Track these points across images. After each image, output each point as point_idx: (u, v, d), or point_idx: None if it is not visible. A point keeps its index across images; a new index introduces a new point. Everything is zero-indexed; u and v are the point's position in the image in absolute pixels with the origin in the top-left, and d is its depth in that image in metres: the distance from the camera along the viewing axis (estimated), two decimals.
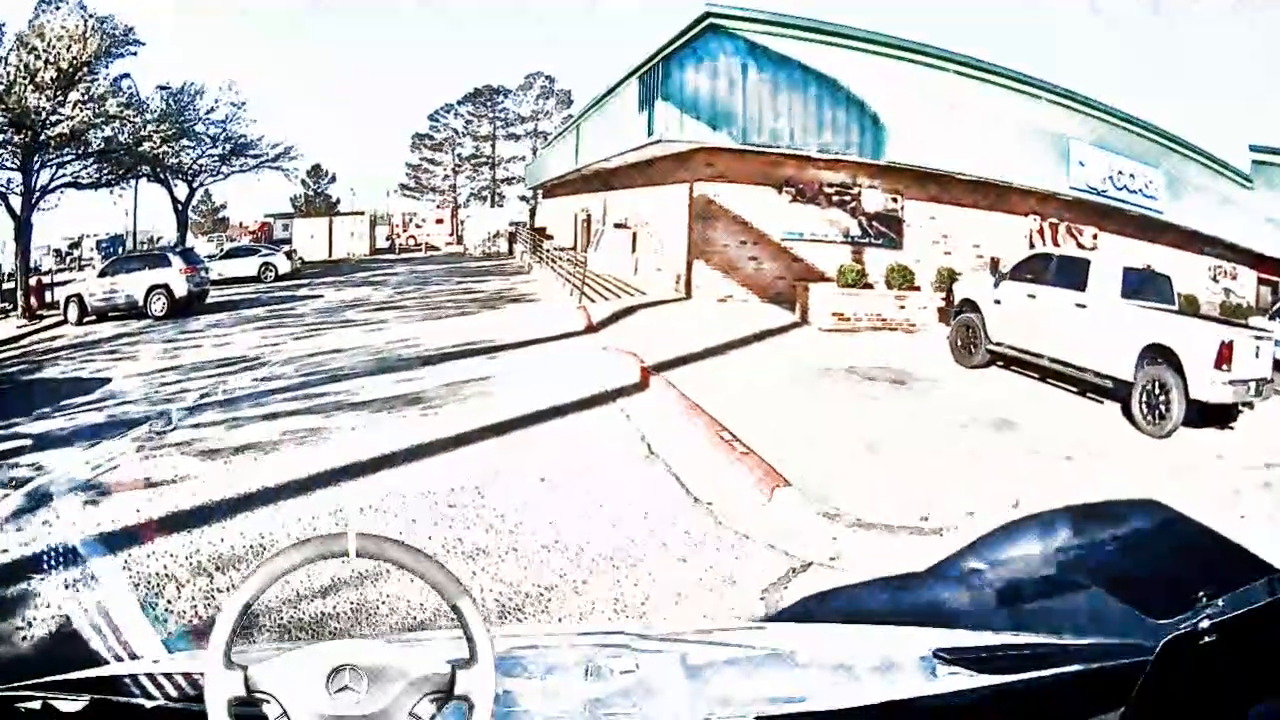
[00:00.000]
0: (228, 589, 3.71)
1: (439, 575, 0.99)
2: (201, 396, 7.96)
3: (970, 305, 8.80)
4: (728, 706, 1.22)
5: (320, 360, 9.58)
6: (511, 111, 50.92)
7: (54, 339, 14.01)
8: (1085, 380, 7.38)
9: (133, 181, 24.44)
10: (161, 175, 26.59)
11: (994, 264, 9.30)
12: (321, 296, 17.71)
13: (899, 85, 12.14)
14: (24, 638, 3.40)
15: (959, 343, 8.85)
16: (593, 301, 13.00)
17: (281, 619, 3.43)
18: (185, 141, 27.13)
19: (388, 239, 39.89)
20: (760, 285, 12.82)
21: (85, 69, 18.05)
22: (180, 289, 15.59)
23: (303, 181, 51.39)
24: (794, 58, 11.99)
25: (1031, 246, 13.31)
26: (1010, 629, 1.98)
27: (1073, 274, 7.72)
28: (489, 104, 51.04)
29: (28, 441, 6.47)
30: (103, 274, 16.26)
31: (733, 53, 11.93)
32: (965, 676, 1.25)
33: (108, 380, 9.12)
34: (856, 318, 10.56)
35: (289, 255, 24.67)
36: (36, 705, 1.09)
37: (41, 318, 16.62)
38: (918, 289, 10.81)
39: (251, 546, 4.14)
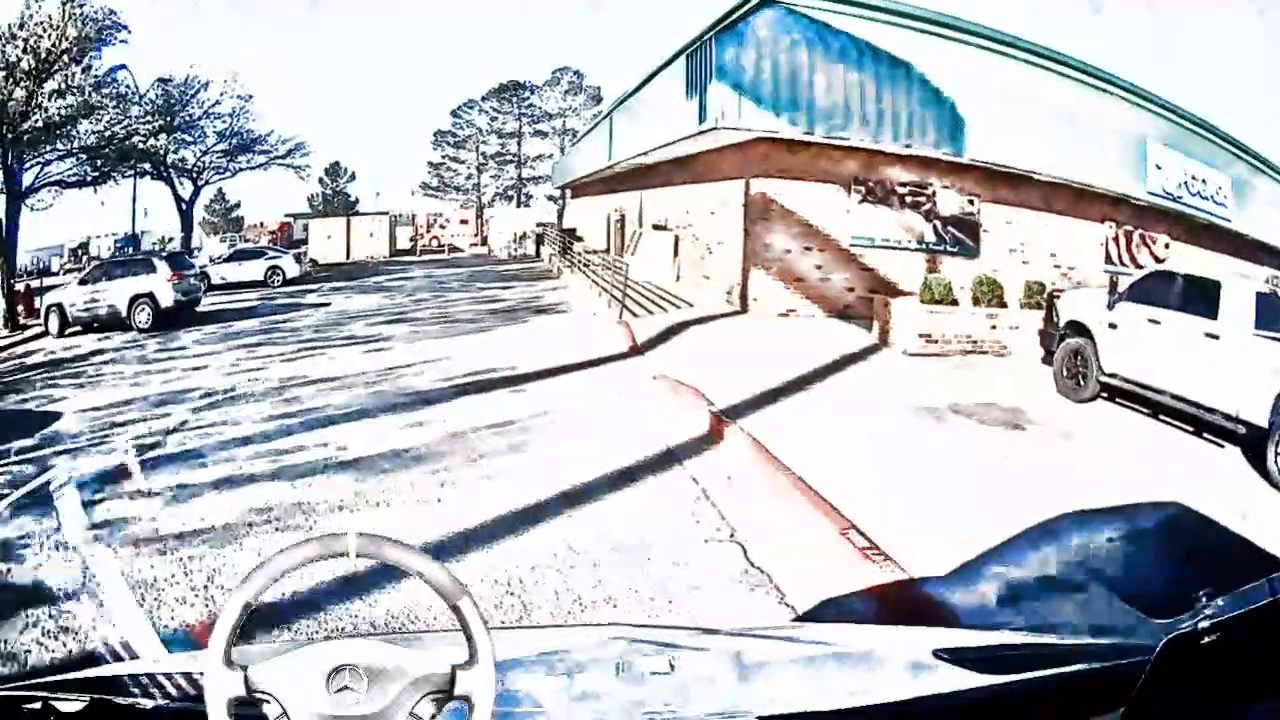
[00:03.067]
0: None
1: (439, 575, 1.10)
2: (140, 450, 6.96)
3: (1079, 329, 8.51)
4: (728, 707, 1.35)
5: (306, 396, 8.88)
6: (538, 108, 53.39)
7: (29, 354, 14.29)
8: (1210, 422, 7.10)
9: (129, 179, 25.94)
10: (163, 172, 27.97)
11: (1113, 283, 9.00)
12: (328, 305, 18.17)
13: (973, 75, 12.14)
14: (24, 638, 3.80)
15: (1066, 372, 8.57)
16: (634, 315, 12.97)
17: (281, 619, 3.73)
18: (182, 136, 28.58)
19: (411, 240, 41.64)
20: (826, 298, 12.73)
21: (65, 57, 18.82)
22: (166, 298, 15.75)
23: (320, 180, 54.36)
24: (860, 37, 11.98)
25: (1108, 256, 13.57)
26: (1010, 629, 2.05)
27: (1201, 298, 7.35)
28: (514, 100, 53.42)
29: None
30: (83, 281, 16.45)
31: (793, 29, 11.90)
32: (965, 676, 1.38)
33: (55, 417, 8.60)
34: (945, 339, 10.22)
35: (298, 259, 25.52)
36: (36, 705, 1.22)
37: (25, 327, 17.09)
38: (1005, 305, 10.59)
39: None
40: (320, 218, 44.38)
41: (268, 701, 1.04)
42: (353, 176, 55.82)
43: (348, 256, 36.61)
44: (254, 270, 24.21)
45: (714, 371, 8.57)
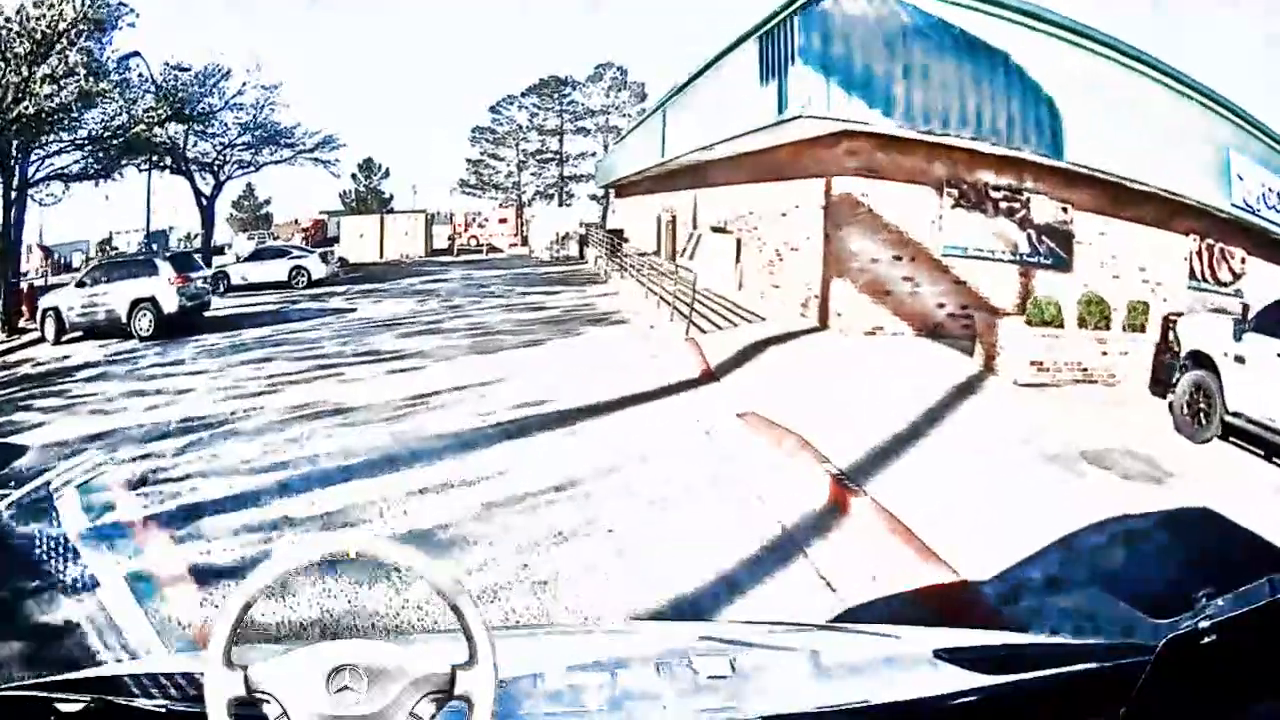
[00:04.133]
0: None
1: (439, 575, 1.21)
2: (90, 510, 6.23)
3: (1201, 360, 8.23)
4: (728, 707, 1.49)
5: (308, 438, 8.01)
6: (580, 104, 56.12)
7: (20, 363, 14.51)
8: None
9: (144, 172, 26.82)
10: (182, 166, 29.17)
11: (1244, 310, 8.70)
12: (354, 311, 18.56)
13: (1069, 73, 11.89)
14: (24, 638, 4.20)
15: (1186, 409, 8.25)
16: (700, 330, 12.75)
17: (281, 619, 4.05)
18: (201, 128, 29.65)
19: (449, 239, 43.48)
20: (915, 314, 12.47)
21: (63, 40, 19.40)
22: (169, 303, 15.86)
23: (352, 176, 57.57)
24: (953, 23, 11.75)
25: (1191, 272, 13.62)
26: (1010, 629, 2.11)
27: None
28: (555, 96, 56.27)
29: None
30: (80, 283, 16.70)
31: (885, 8, 11.64)
32: (965, 676, 1.51)
33: (21, 452, 8.07)
34: (1055, 366, 9.88)
35: (324, 258, 26.39)
36: (36, 705, 1.35)
37: (24, 331, 17.62)
38: (1110, 326, 10.29)
39: None
40: (351, 215, 46.43)
41: (268, 701, 1.15)
42: (386, 173, 58.89)
43: (381, 256, 38.37)
44: (277, 271, 25.04)
45: (808, 407, 8.00)
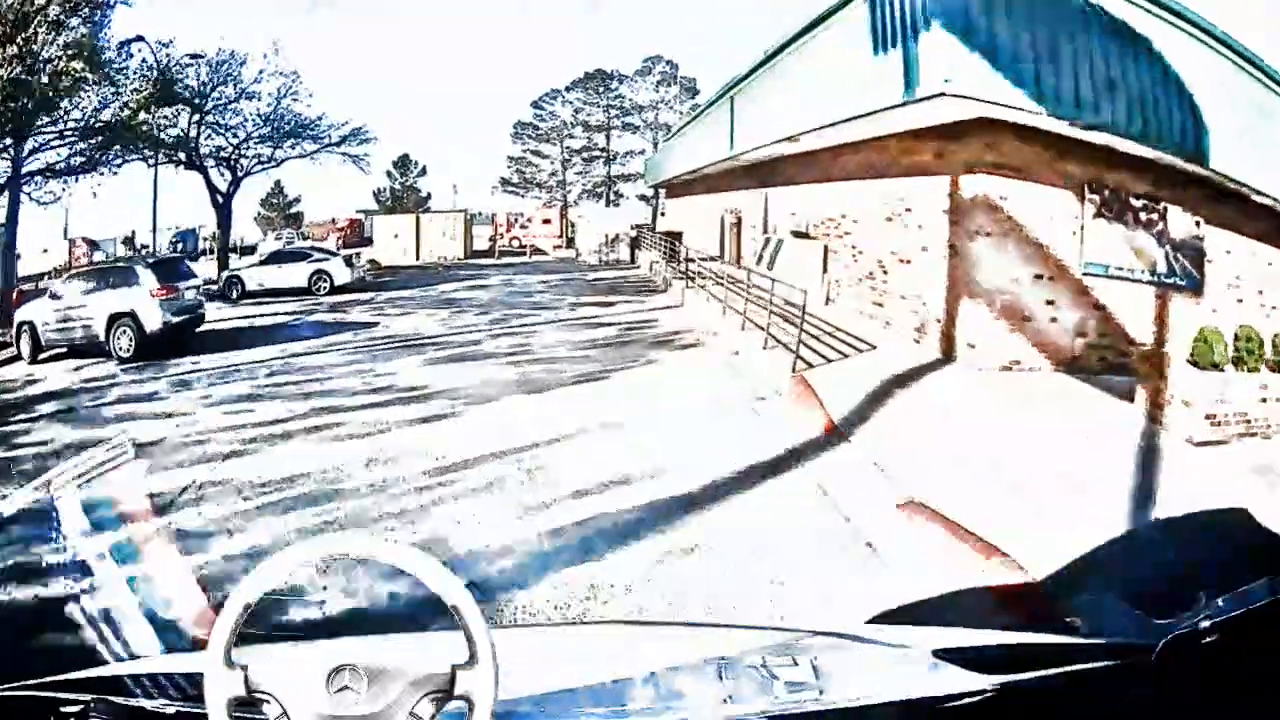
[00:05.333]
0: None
1: (439, 575, 1.36)
2: None
3: None
4: (728, 707, 1.68)
5: (278, 534, 6.57)
6: (628, 99, 58.07)
7: None
8: None
9: (151, 167, 28.03)
10: (195, 160, 30.24)
11: None
12: (376, 325, 18.23)
13: (1210, 76, 11.52)
14: (24, 638, 4.69)
15: None
16: (802, 360, 11.72)
17: (281, 619, 4.40)
18: (212, 116, 30.66)
19: (490, 240, 45.24)
20: (1052, 345, 11.52)
21: (39, 17, 20.08)
22: (152, 319, 15.32)
23: (387, 173, 60.05)
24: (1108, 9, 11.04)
25: None
26: (1010, 629, 2.36)
27: None
28: (602, 90, 58.41)
29: None
30: (55, 295, 16.28)
31: None
32: (965, 676, 1.69)
33: None
34: (1225, 419, 9.19)
35: (349, 262, 26.74)
36: (37, 705, 1.54)
37: (6, 345, 17.00)
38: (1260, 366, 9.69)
39: None
40: (394, 214, 48.28)
41: (268, 701, 1.31)
42: (424, 170, 61.34)
43: (417, 258, 39.64)
44: (296, 276, 25.38)
45: (978, 488, 6.83)
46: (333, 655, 1.32)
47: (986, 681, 1.61)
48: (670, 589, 5.57)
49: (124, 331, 15.22)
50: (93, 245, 47.27)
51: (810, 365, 11.59)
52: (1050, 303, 11.52)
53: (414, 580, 1.34)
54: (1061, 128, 10.76)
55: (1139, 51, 11.01)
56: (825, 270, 16.33)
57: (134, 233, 46.64)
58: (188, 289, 16.63)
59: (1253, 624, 1.27)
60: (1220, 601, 1.32)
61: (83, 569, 5.44)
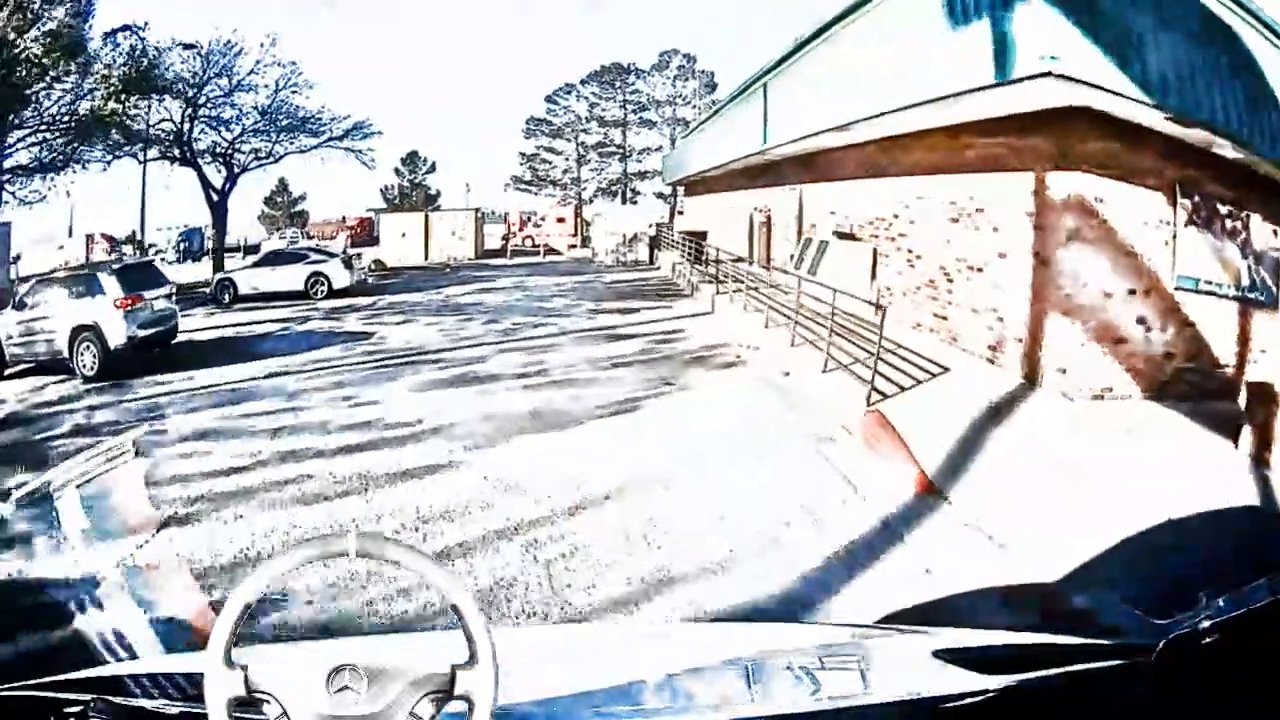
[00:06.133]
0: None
1: (439, 575, 1.48)
2: None
3: None
4: (728, 706, 1.78)
5: None
6: (644, 94, 59.54)
7: None
8: None
9: (141, 164, 28.81)
10: (187, 155, 30.67)
11: None
12: (370, 336, 17.89)
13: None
14: (24, 638, 4.96)
15: None
16: (881, 395, 10.72)
17: (281, 619, 4.71)
18: (209, 113, 31.26)
19: (503, 239, 47.06)
20: (1142, 370, 10.80)
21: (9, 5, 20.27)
22: (115, 333, 14.84)
23: (395, 170, 61.51)
24: None
25: None
26: (1010, 629, 2.46)
27: None
28: (617, 84, 59.94)
29: None
30: (20, 305, 15.86)
31: None
32: (965, 676, 1.82)
33: None
34: None
35: (348, 264, 26.84)
36: (37, 705, 1.67)
37: None
38: None
39: None
40: (393, 212, 49.87)
41: (268, 701, 1.43)
42: (433, 167, 63.17)
43: (426, 258, 40.45)
44: (291, 278, 25.53)
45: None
46: (333, 655, 1.43)
47: (987, 682, 1.74)
48: None
49: (87, 347, 14.74)
50: (113, 241, 48.50)
51: (884, 395, 10.50)
52: (1142, 321, 10.84)
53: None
54: (1156, 120, 10.17)
55: (1235, 42, 10.49)
56: (874, 276, 15.73)
57: (134, 231, 47.51)
58: (157, 298, 16.06)
59: (1253, 624, 1.37)
60: (1220, 601, 1.43)
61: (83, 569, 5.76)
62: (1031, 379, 10.93)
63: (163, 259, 35.21)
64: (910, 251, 14.58)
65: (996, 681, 1.73)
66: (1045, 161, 10.92)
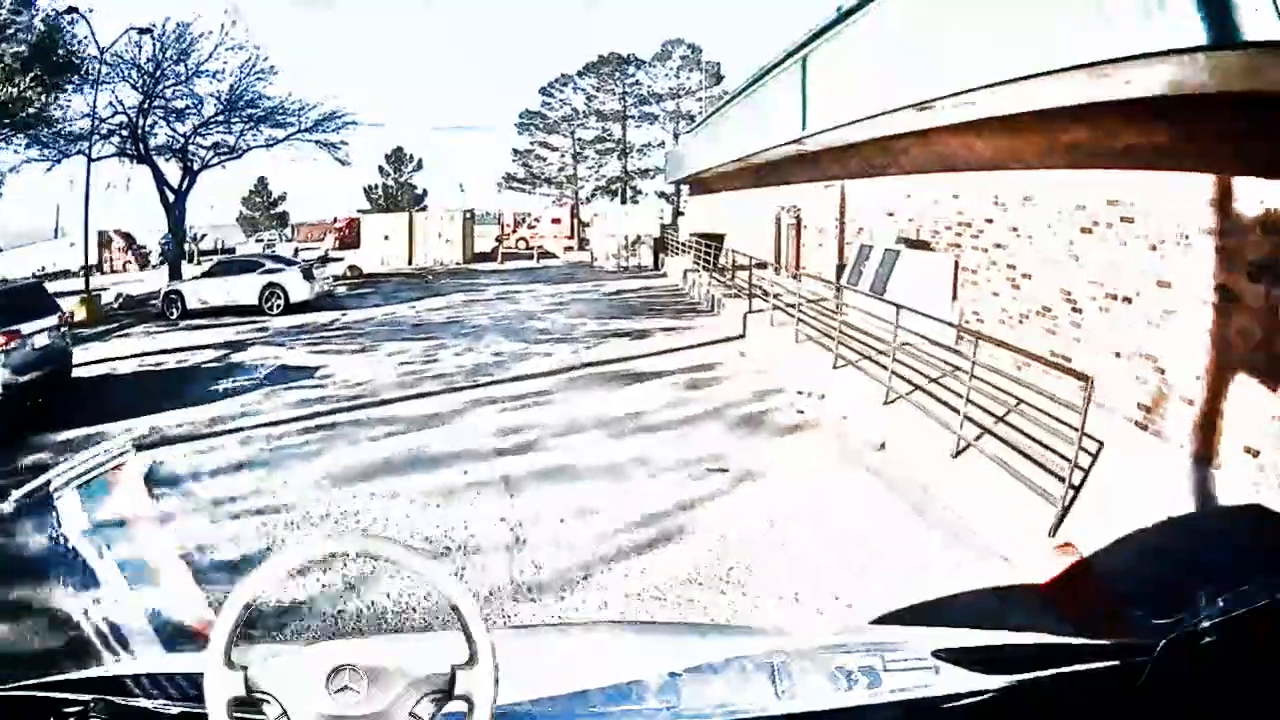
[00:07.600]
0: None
1: (439, 575, 1.71)
2: None
3: None
4: (729, 707, 2.05)
5: None
6: (645, 86, 61.82)
7: None
8: None
9: (96, 161, 28.88)
10: (139, 150, 30.98)
11: None
12: (311, 374, 15.92)
13: None
14: (24, 638, 5.50)
15: None
16: (1062, 509, 7.55)
17: (281, 619, 5.27)
18: (167, 103, 31.48)
19: (497, 240, 48.27)
20: None
21: None
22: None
23: (379, 169, 62.68)
24: None
25: None
26: (1010, 629, 2.69)
27: None
28: (617, 76, 61.98)
29: None
30: None
31: None
32: (965, 676, 2.05)
33: None
34: None
35: (308, 274, 26.57)
36: (37, 705, 1.91)
37: None
38: None
39: None
40: (378, 212, 52.11)
41: (268, 701, 1.65)
42: (419, 165, 65.20)
43: (410, 262, 41.84)
44: (245, 290, 25.48)
45: None
46: (333, 655, 1.65)
47: (987, 682, 1.99)
48: None
49: None
50: (129, 239, 50.01)
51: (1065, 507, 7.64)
52: None
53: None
54: None
55: None
56: (955, 296, 14.36)
57: (111, 235, 48.61)
58: (38, 333, 14.22)
59: (1253, 624, 1.55)
60: (1220, 601, 1.61)
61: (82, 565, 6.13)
62: (1206, 457, 8.86)
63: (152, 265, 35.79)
64: (1012, 268, 13.00)
65: (996, 681, 1.97)
66: (1243, 162, 8.66)
